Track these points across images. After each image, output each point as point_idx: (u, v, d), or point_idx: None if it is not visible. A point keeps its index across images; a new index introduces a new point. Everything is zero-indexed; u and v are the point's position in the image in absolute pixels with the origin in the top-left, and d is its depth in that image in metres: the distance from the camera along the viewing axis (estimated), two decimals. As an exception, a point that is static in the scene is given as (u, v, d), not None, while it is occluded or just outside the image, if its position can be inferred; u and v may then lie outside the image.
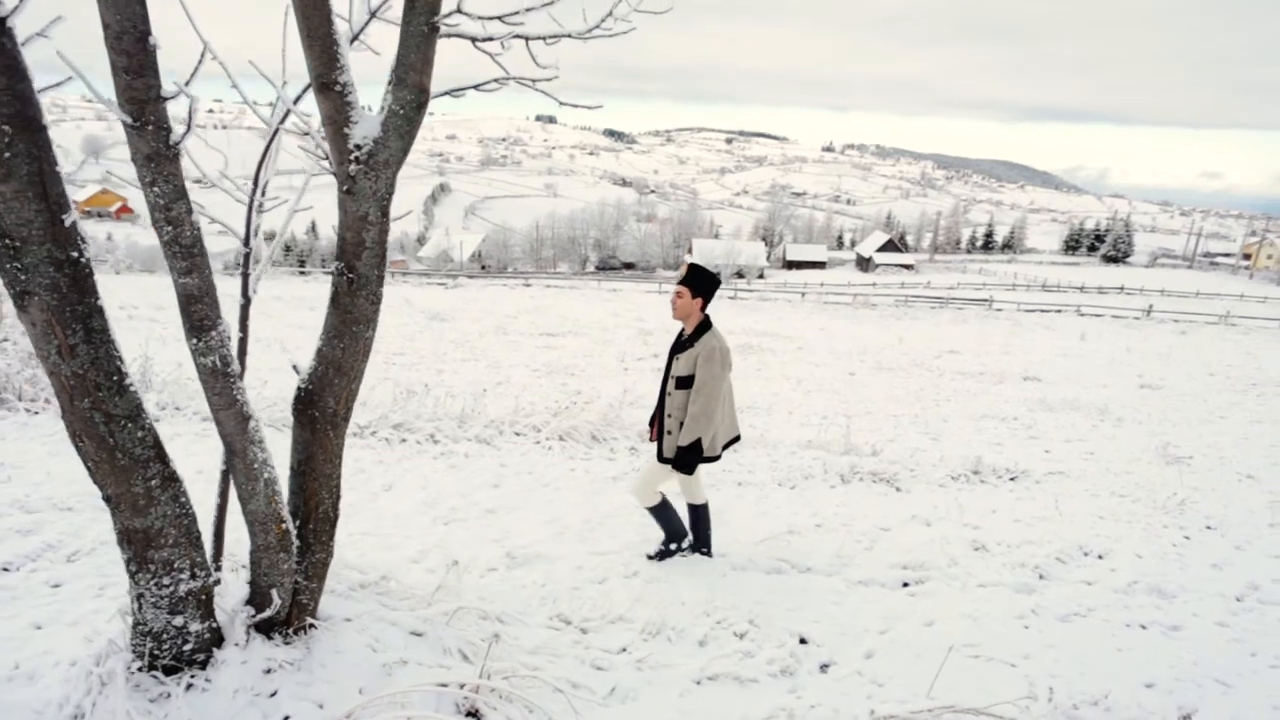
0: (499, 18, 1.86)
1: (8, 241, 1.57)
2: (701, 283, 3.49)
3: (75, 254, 1.67)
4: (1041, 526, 4.94)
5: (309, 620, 2.23)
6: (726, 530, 4.48)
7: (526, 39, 2.16)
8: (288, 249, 77.12)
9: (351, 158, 1.84)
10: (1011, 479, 6.19)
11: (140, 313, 15.12)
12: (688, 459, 3.46)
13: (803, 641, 2.94)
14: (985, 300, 30.98)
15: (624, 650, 2.67)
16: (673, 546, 3.79)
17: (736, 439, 3.75)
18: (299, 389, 2.09)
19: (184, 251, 1.70)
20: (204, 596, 2.01)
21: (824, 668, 2.76)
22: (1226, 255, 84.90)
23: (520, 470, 5.41)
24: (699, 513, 3.82)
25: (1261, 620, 3.53)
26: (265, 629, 2.14)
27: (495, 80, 2.00)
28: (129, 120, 1.53)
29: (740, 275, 66.43)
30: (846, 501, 5.27)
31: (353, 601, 2.49)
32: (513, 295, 30.40)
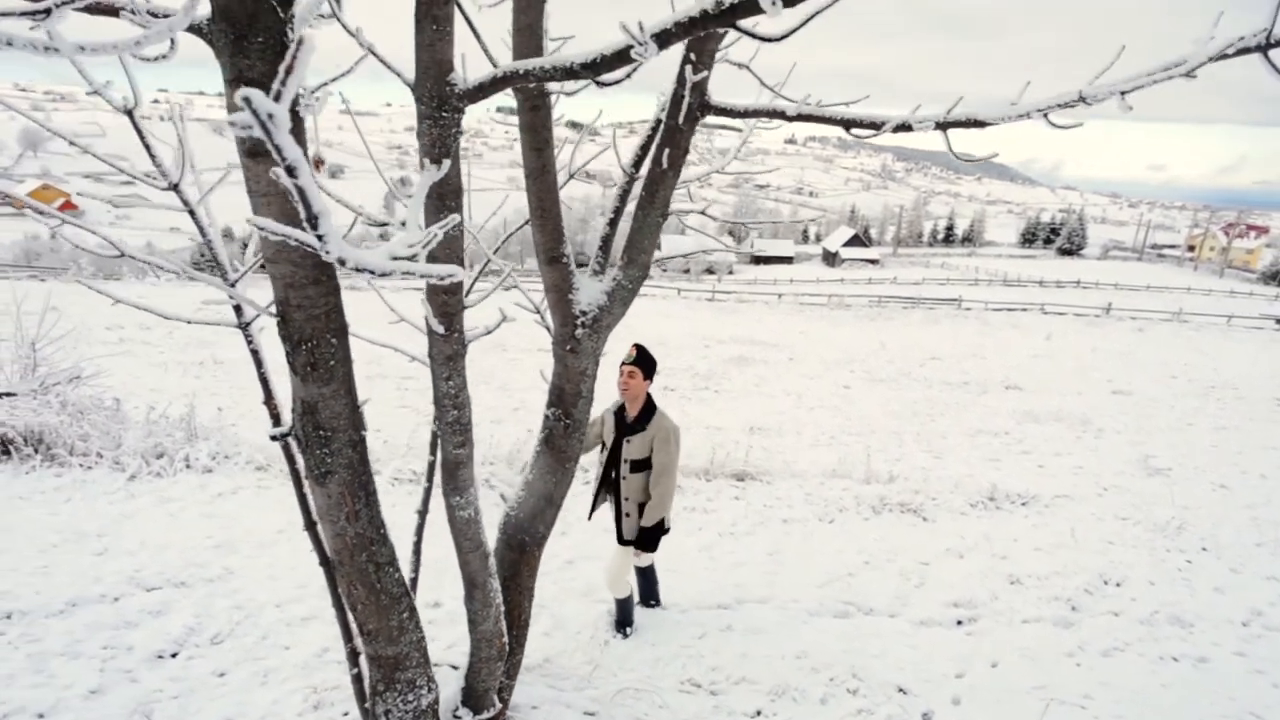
0: (734, 224, 2.17)
1: (322, 433, 1.84)
2: (651, 365, 3.54)
3: (364, 433, 1.94)
4: (1062, 555, 5.44)
5: (508, 713, 2.52)
6: (788, 573, 4.87)
7: (689, 182, 2.47)
8: (245, 246, 75.04)
9: (578, 322, 2.13)
10: (1023, 504, 6.71)
11: (129, 334, 14.83)
12: (655, 537, 3.57)
13: (901, 691, 3.33)
14: (954, 299, 32.12)
15: (759, 713, 3.03)
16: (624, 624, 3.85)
17: None
18: (509, 515, 2.38)
19: (461, 429, 1.98)
20: (436, 706, 2.30)
21: (926, 718, 3.16)
22: (1172, 247, 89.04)
23: (580, 514, 5.69)
24: (627, 603, 3.84)
25: (1272, 647, 4.05)
26: (479, 725, 2.43)
27: (704, 251, 2.31)
28: (440, 330, 1.80)
29: (710, 272, 67.09)
30: (884, 535, 5.70)
31: (526, 686, 2.78)
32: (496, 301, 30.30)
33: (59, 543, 4.49)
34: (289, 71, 0.58)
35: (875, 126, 1.68)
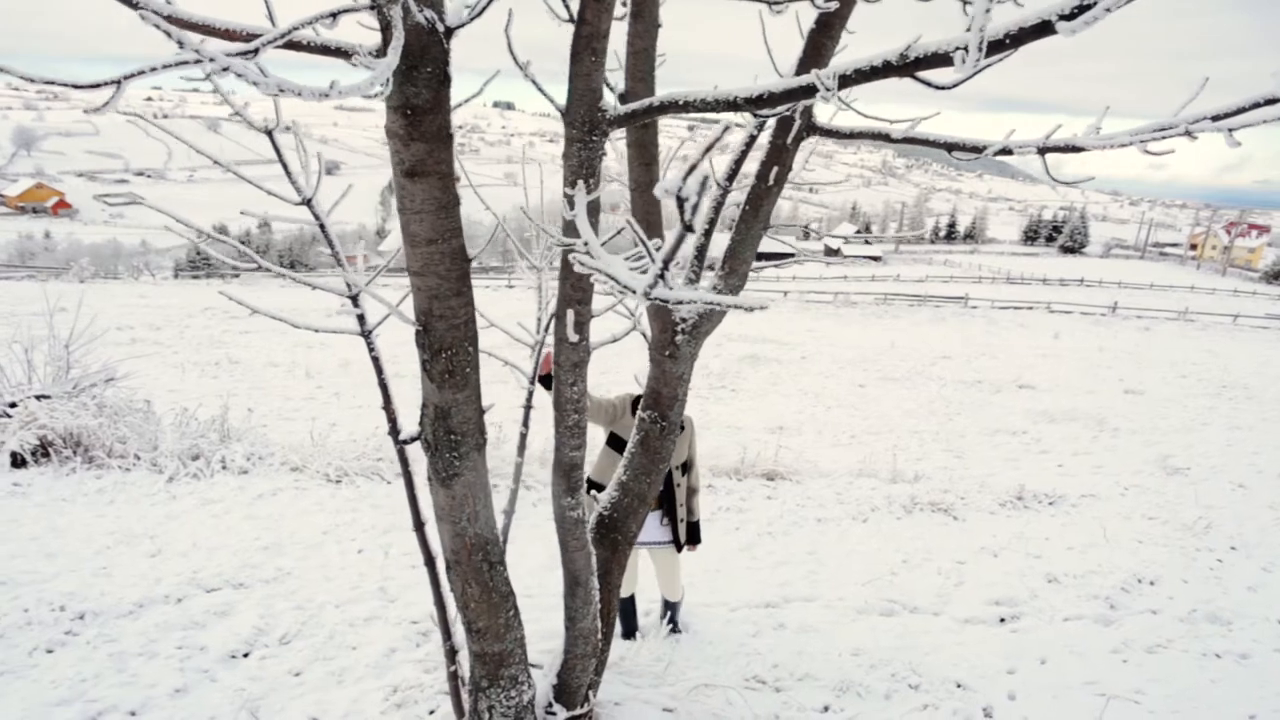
0: (844, 253, 2.23)
1: (453, 437, 1.90)
2: None
3: (486, 437, 2.01)
4: (1094, 554, 5.51)
5: (594, 709, 2.59)
6: (829, 572, 4.94)
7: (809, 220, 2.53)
8: (243, 242, 74.80)
9: (678, 329, 2.20)
10: (1050, 503, 6.79)
11: (140, 335, 14.86)
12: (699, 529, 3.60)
13: (959, 687, 3.41)
14: (960, 298, 32.20)
15: (827, 709, 3.10)
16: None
17: None
18: (601, 516, 2.44)
19: (579, 433, 2.05)
20: (534, 702, 2.36)
21: (987, 714, 3.23)
22: (1174, 245, 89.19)
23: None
24: (676, 607, 3.84)
25: (1311, 645, 4.13)
26: (569, 721, 2.50)
27: (793, 258, 2.39)
28: (574, 338, 1.87)
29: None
30: (918, 534, 5.77)
31: (605, 683, 2.85)
32: (499, 298, 30.36)
33: (112, 544, 4.55)
34: (692, 166, 0.64)
35: (977, 150, 1.74)
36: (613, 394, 3.51)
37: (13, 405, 5.85)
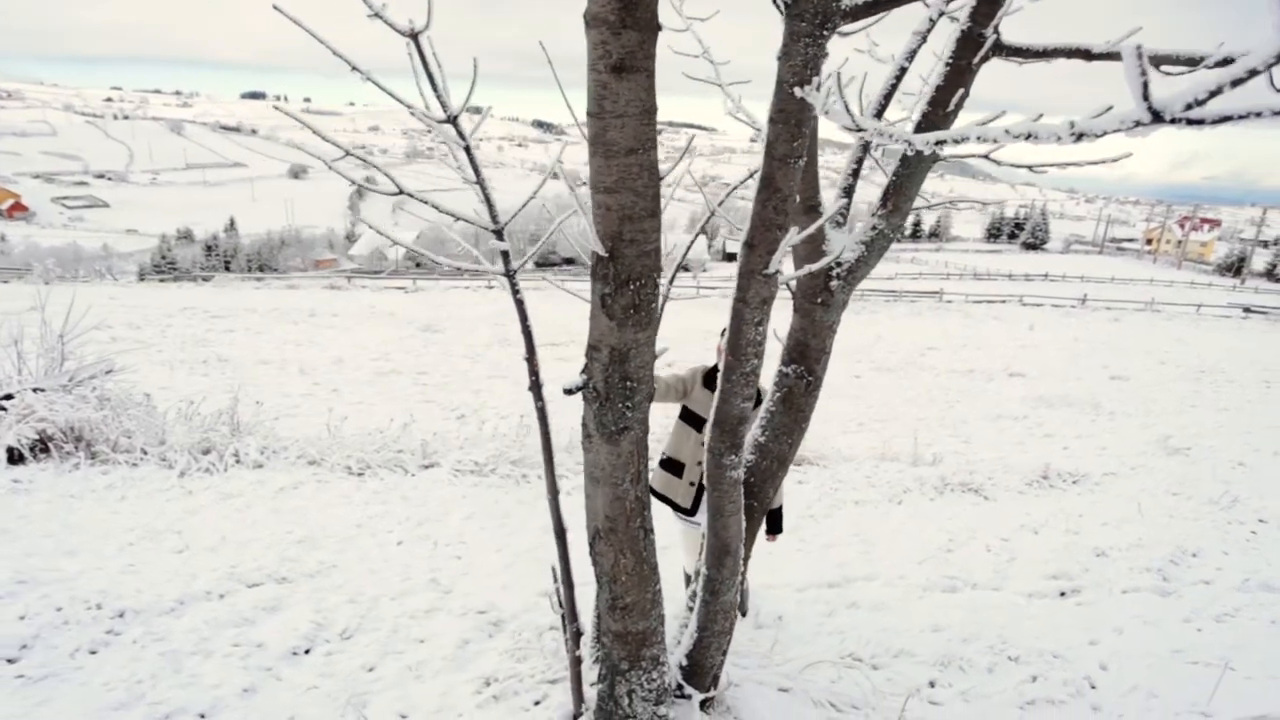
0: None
1: (629, 384, 1.73)
2: None
3: (655, 387, 1.84)
4: (1131, 529, 5.54)
5: (721, 691, 2.44)
6: (881, 552, 4.86)
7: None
8: (209, 249, 72.63)
9: (832, 273, 2.06)
10: (1074, 482, 6.84)
11: (119, 333, 14.17)
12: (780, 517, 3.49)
13: (1055, 657, 3.34)
14: (935, 292, 32.73)
15: (934, 684, 3.00)
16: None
17: None
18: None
19: (753, 381, 1.89)
20: (669, 684, 2.20)
21: (1091, 684, 3.17)
22: (1131, 241, 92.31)
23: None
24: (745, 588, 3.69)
25: (1366, 608, 4.17)
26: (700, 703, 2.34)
27: (954, 206, 2.27)
28: (772, 269, 1.72)
29: (686, 269, 67.10)
30: (954, 514, 5.74)
31: (715, 664, 2.70)
32: (479, 299, 29.83)
33: (135, 540, 4.25)
34: None
35: (1193, 63, 1.64)
36: (679, 370, 3.36)
37: (8, 398, 5.45)
